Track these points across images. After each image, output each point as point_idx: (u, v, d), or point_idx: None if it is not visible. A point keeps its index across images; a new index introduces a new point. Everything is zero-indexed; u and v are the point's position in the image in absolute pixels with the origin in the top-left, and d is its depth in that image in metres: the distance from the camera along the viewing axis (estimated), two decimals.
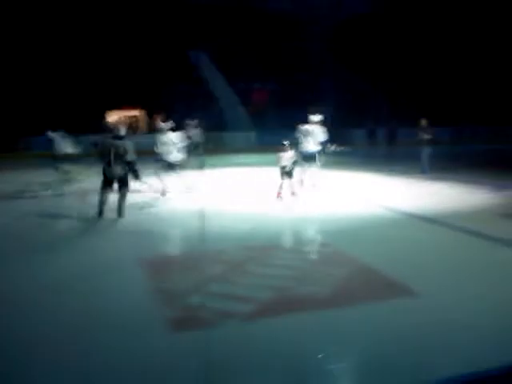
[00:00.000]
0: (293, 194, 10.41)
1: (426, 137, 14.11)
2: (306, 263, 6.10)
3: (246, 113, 26.85)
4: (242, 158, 19.98)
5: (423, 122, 14.47)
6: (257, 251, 6.54)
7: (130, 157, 8.63)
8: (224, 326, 4.26)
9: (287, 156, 10.30)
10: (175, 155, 10.85)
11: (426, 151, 14.15)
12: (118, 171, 8.57)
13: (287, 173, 10.34)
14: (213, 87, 28.31)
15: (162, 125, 11.24)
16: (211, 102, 26.86)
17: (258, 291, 5.00)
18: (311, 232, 8.13)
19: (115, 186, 8.76)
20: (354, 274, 5.56)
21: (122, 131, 8.89)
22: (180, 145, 11.01)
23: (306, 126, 11.21)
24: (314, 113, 11.30)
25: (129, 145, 8.72)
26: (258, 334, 4.11)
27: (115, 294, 5.04)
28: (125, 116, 25.94)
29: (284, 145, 10.29)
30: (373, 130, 26.07)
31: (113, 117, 25.36)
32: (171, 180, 10.99)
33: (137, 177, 9.11)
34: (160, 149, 10.91)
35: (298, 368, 3.57)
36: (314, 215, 8.93)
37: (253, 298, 4.84)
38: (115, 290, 5.16)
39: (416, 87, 31.65)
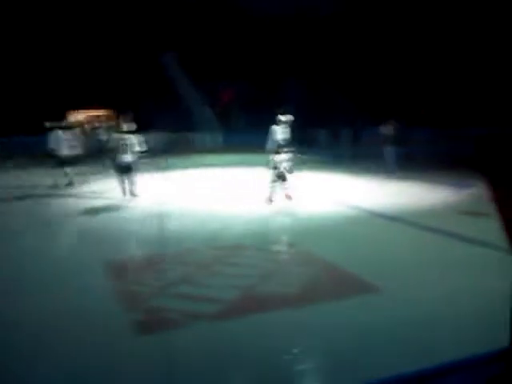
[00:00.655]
0: (288, 197, 9.93)
1: (391, 137, 14.31)
2: (272, 263, 6.15)
3: (213, 113, 26.79)
4: (209, 158, 19.92)
5: (388, 123, 14.71)
6: (224, 251, 6.55)
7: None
8: (190, 327, 4.26)
9: (281, 158, 9.91)
10: (130, 157, 10.64)
11: (390, 151, 14.37)
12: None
13: (280, 176, 9.86)
14: (180, 87, 28.13)
15: (124, 125, 11.09)
16: (179, 103, 26.69)
17: (225, 291, 5.02)
18: (278, 232, 8.19)
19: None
20: (318, 273, 5.64)
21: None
22: (136, 147, 10.76)
23: (274, 126, 11.27)
24: (282, 113, 11.31)
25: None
26: (225, 335, 4.13)
27: (79, 297, 4.97)
28: (91, 115, 25.49)
29: (279, 146, 9.94)
30: (337, 131, 26.33)
31: (78, 116, 24.89)
32: (136, 182, 10.88)
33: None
34: (114, 149, 10.73)
35: (264, 367, 3.60)
36: (280, 215, 9.01)
37: (219, 298, 4.85)
38: (79, 294, 5.08)
39: (380, 88, 32.19)
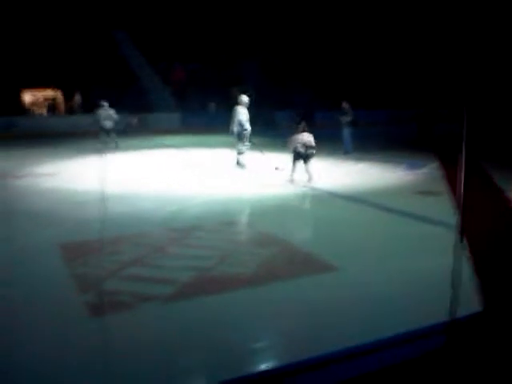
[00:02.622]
0: (310, 179, 9.54)
1: (346, 118, 14.50)
2: (229, 244, 6.09)
3: (169, 93, 26.30)
4: (166, 139, 19.60)
5: (344, 105, 14.83)
6: (180, 233, 6.45)
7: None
8: (142, 309, 4.17)
9: (301, 138, 9.44)
10: None
11: (346, 132, 14.56)
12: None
13: (301, 156, 9.43)
14: (134, 66, 27.43)
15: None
16: (133, 82, 26.04)
17: (180, 273, 4.94)
18: (235, 213, 8.13)
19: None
20: (276, 253, 5.63)
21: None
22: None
23: (238, 107, 11.27)
24: (235, 94, 11.35)
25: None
26: (178, 316, 4.06)
27: (30, 282, 4.77)
28: (40, 96, 24.53)
29: (298, 125, 9.52)
30: (293, 113, 26.34)
31: (27, 96, 23.91)
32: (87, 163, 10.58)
33: None
34: None
35: (216, 348, 3.56)
36: (240, 197, 8.94)
37: (173, 279, 4.76)
38: (30, 277, 4.88)
39: (334, 70, 32.43)
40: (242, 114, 11.15)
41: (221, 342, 3.62)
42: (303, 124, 9.74)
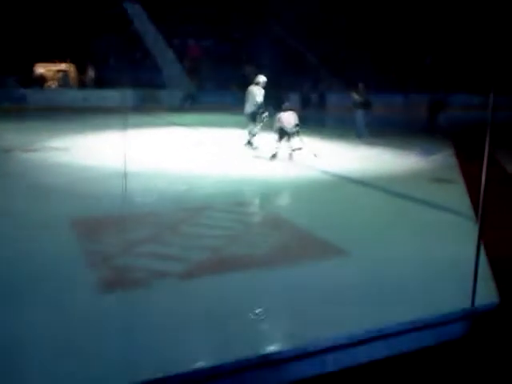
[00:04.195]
0: (290, 156, 10.21)
1: (360, 101, 14.28)
2: (241, 224, 6.09)
3: (183, 71, 26.10)
4: (178, 117, 19.53)
5: (359, 86, 14.64)
6: (190, 212, 6.45)
7: None
8: (155, 286, 4.19)
9: (287, 117, 10.04)
10: None
11: (359, 114, 14.36)
12: None
13: (286, 134, 10.05)
14: (148, 42, 27.22)
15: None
16: (147, 58, 25.87)
17: (191, 251, 4.95)
18: (248, 194, 8.11)
19: None
20: (287, 236, 5.62)
21: None
22: None
23: (252, 87, 11.11)
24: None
25: None
26: (190, 294, 4.08)
27: (43, 256, 4.81)
28: (53, 70, 24.44)
29: (285, 105, 10.27)
30: (307, 95, 26.05)
31: (40, 70, 23.83)
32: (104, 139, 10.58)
33: None
34: None
35: (228, 327, 3.57)
36: (251, 178, 8.92)
37: (185, 257, 4.78)
38: (43, 252, 4.91)
39: (351, 51, 31.98)
40: (259, 94, 10.99)
41: (231, 322, 3.63)
42: (287, 103, 10.63)
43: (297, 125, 10.10)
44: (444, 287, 4.15)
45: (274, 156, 10.27)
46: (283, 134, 10.10)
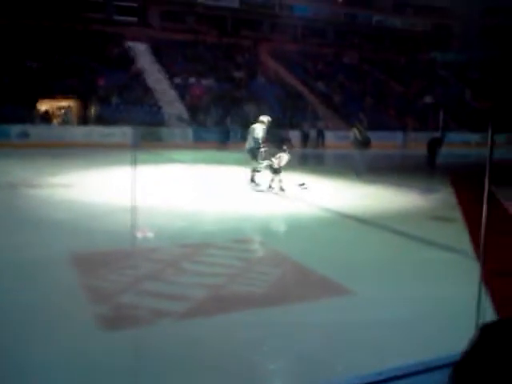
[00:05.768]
0: (281, 189, 10.82)
1: (359, 138, 14.40)
2: (240, 262, 6.08)
3: (184, 108, 26.48)
4: (178, 154, 19.70)
5: (357, 125, 14.85)
6: (191, 249, 6.45)
7: None
8: (156, 325, 4.15)
9: (284, 158, 10.85)
10: None
11: (357, 153, 14.48)
12: None
13: (275, 170, 10.89)
14: (151, 81, 27.73)
15: None
16: (149, 96, 26.29)
17: (192, 290, 4.93)
18: (247, 231, 8.13)
19: None
20: (288, 274, 5.61)
21: None
22: None
23: (255, 125, 11.32)
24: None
25: None
26: (191, 334, 4.04)
27: (43, 292, 4.78)
28: (56, 106, 24.77)
29: (285, 147, 11.18)
30: (307, 133, 26.39)
31: (43, 106, 24.16)
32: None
33: None
34: None
35: (230, 368, 3.53)
36: (250, 214, 8.95)
37: (186, 296, 4.76)
38: (44, 288, 4.90)
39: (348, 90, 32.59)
40: (259, 131, 11.14)
41: (233, 363, 3.59)
42: (287, 144, 11.56)
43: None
44: (447, 327, 4.12)
45: (279, 188, 10.85)
46: (276, 171, 10.91)
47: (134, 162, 14.88)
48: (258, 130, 11.18)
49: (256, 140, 11.07)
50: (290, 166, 13.25)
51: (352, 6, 40.88)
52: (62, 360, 3.54)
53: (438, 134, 18.68)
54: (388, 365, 3.21)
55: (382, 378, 2.73)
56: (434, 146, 16.91)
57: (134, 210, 7.20)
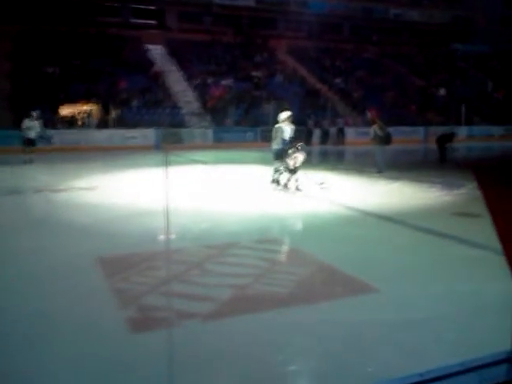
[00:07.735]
0: (297, 189, 10.84)
1: (380, 135, 14.25)
2: (265, 262, 6.08)
3: (203, 109, 26.60)
4: (199, 155, 19.81)
5: (377, 121, 14.70)
6: (215, 250, 6.47)
7: None
8: (183, 326, 4.18)
9: (299, 156, 10.82)
10: None
11: (378, 149, 14.34)
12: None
13: (291, 170, 10.92)
14: (170, 82, 27.92)
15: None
16: (168, 98, 26.48)
17: (218, 290, 4.94)
18: (271, 230, 8.11)
19: None
20: (313, 273, 5.58)
21: None
22: None
23: (281, 125, 10.92)
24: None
25: None
26: (218, 335, 4.05)
27: (70, 295, 4.86)
28: (78, 110, 25.11)
29: (298, 146, 11.04)
30: (327, 130, 26.29)
31: (65, 111, 24.51)
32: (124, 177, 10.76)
33: None
34: None
35: (257, 368, 3.53)
36: (273, 213, 8.94)
37: (212, 297, 4.77)
38: (70, 291, 4.96)
39: (367, 86, 32.28)
40: (287, 132, 10.91)
41: (260, 363, 3.59)
42: (300, 144, 11.15)
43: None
44: (482, 326, 4.05)
45: (295, 188, 10.83)
46: (292, 171, 10.91)
47: (166, 164, 15.02)
48: (286, 130, 10.89)
49: (284, 141, 10.84)
50: (310, 164, 13.21)
51: (368, 1, 40.56)
52: (92, 363, 3.58)
53: (448, 129, 18.46)
54: (425, 366, 3.17)
55: (423, 378, 2.68)
56: (442, 141, 16.73)
57: (165, 212, 7.28)
